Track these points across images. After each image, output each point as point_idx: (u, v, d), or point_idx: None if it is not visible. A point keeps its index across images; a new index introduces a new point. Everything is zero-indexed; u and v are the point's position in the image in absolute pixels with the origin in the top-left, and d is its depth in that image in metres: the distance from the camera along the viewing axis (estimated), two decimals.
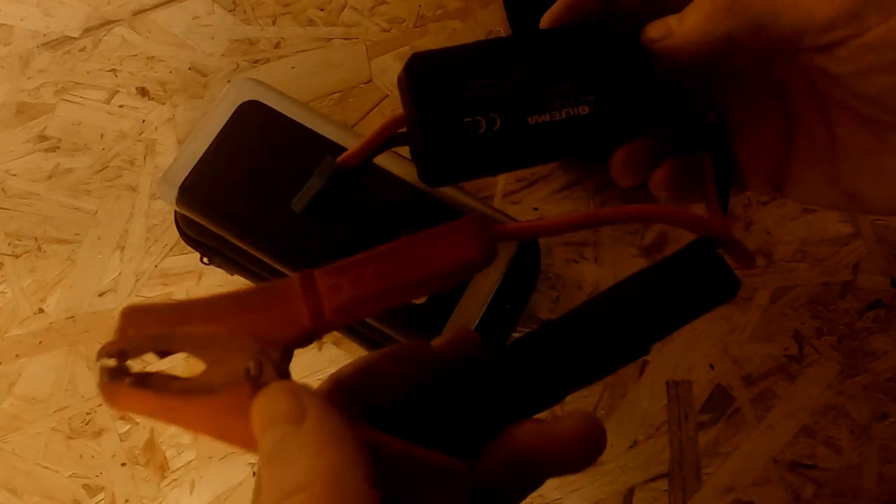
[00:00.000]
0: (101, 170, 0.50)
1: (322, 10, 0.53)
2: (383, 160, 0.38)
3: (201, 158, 0.38)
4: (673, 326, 0.24)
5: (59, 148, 0.50)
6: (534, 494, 0.44)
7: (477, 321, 0.35)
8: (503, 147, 0.26)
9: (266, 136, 0.38)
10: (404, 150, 0.38)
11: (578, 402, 0.44)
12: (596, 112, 0.26)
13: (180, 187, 0.38)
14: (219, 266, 0.44)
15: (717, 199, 0.28)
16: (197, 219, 0.38)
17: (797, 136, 0.29)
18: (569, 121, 0.26)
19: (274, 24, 0.53)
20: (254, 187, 0.37)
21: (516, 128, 0.26)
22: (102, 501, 0.43)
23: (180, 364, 0.40)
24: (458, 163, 0.26)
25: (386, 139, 0.29)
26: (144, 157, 0.50)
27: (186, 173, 0.38)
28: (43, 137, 0.51)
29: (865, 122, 0.27)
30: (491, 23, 0.51)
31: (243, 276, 0.43)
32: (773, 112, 0.30)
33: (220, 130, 0.38)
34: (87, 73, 0.52)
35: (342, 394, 0.23)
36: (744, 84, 0.30)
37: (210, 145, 0.38)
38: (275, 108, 0.39)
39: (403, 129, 0.28)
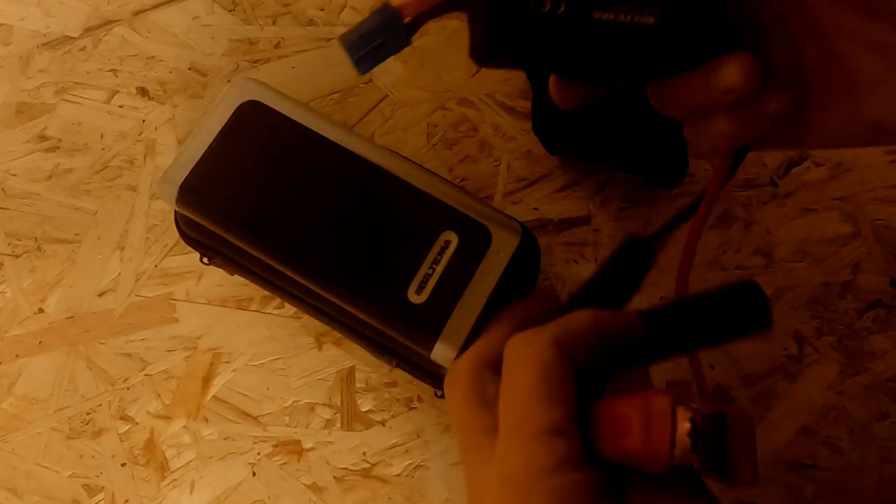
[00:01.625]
0: (101, 170, 0.50)
1: (322, 10, 0.53)
2: (376, 156, 0.37)
3: (201, 158, 0.38)
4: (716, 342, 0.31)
5: (59, 148, 0.50)
6: None
7: (475, 320, 0.35)
8: (561, 36, 0.26)
9: (266, 136, 0.38)
10: (402, 149, 0.38)
11: None
12: (660, 25, 0.26)
13: (180, 187, 0.38)
14: (219, 266, 0.44)
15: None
16: (197, 219, 0.38)
17: (810, 81, 0.29)
18: (631, 27, 0.26)
19: (274, 24, 0.53)
20: (254, 187, 0.37)
21: (579, 18, 0.25)
22: (102, 501, 0.43)
23: None
24: (513, 38, 0.26)
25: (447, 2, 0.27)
26: (144, 157, 0.50)
27: (186, 173, 0.38)
28: (43, 137, 0.51)
29: (884, 52, 0.27)
30: None
31: (243, 276, 0.43)
32: (783, 61, 0.29)
33: (220, 130, 0.38)
34: (87, 73, 0.52)
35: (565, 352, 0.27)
36: (751, 34, 0.29)
37: (210, 145, 0.38)
38: (275, 108, 0.39)
39: None
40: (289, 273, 0.37)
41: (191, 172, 0.38)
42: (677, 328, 0.30)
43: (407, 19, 0.26)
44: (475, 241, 0.36)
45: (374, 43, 0.26)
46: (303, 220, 0.36)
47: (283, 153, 0.38)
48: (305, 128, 0.38)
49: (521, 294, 0.41)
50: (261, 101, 0.39)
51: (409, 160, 0.38)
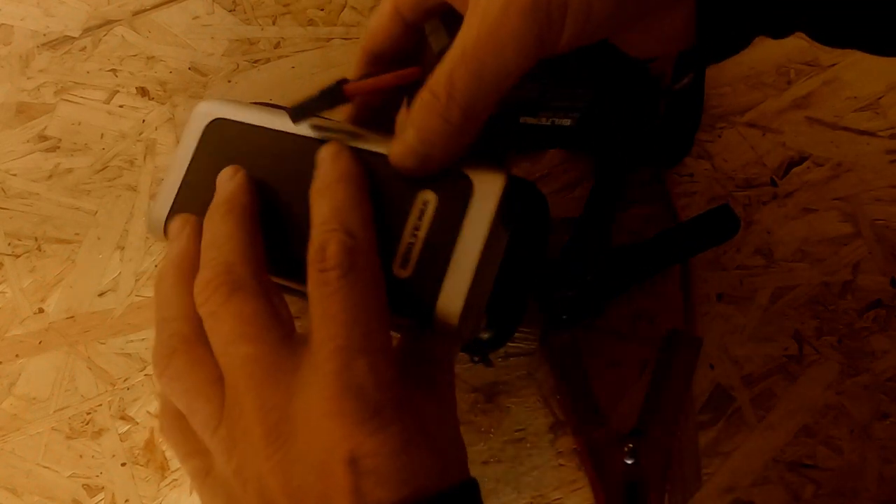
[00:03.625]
0: (101, 170, 0.50)
1: (322, 10, 0.53)
2: (337, 136, 0.37)
3: (180, 188, 0.38)
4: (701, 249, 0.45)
5: (59, 148, 0.50)
6: (534, 494, 0.44)
7: (470, 282, 0.31)
8: (495, 133, 0.29)
9: (235, 148, 0.38)
10: None
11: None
12: (576, 127, 0.29)
13: (166, 222, 0.37)
14: None
15: None
16: None
17: None
18: (552, 127, 0.29)
19: (274, 24, 0.53)
20: None
21: (510, 124, 0.29)
22: (102, 501, 0.43)
23: None
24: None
25: (397, 86, 0.31)
26: (144, 157, 0.50)
27: (169, 206, 0.37)
28: (43, 137, 0.51)
29: None
30: None
31: None
32: None
33: (192, 157, 0.38)
34: (87, 73, 0.52)
35: None
36: None
37: (186, 173, 0.38)
38: (238, 119, 0.39)
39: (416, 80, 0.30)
40: (278, 279, 0.37)
41: (173, 204, 0.38)
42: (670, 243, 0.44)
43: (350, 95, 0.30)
44: (455, 195, 0.32)
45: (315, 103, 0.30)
46: (281, 219, 0.36)
47: (253, 159, 0.38)
48: (267, 129, 0.38)
49: (532, 250, 0.40)
50: (224, 117, 0.39)
51: (371, 130, 0.37)
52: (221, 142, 0.38)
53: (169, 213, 0.37)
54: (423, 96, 0.28)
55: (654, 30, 0.27)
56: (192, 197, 0.38)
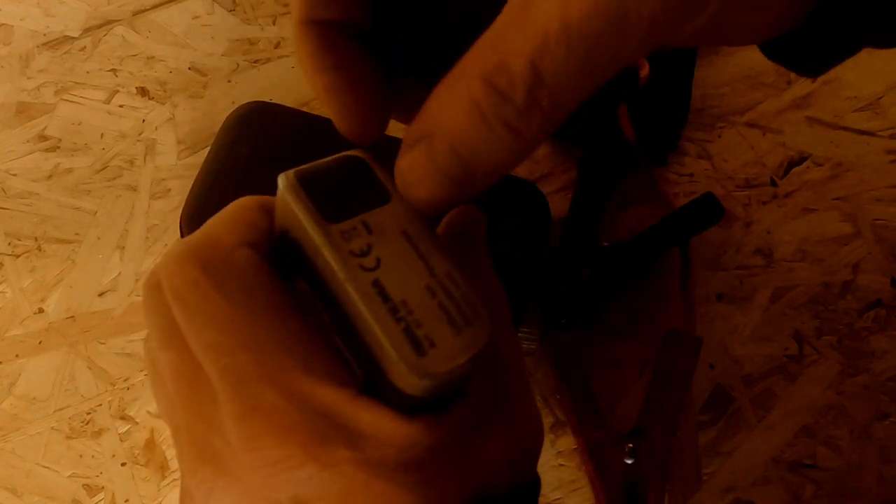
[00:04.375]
0: (101, 170, 0.50)
1: None
2: None
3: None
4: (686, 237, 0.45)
5: (59, 148, 0.50)
6: None
7: None
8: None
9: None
10: None
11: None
12: None
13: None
14: None
15: None
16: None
17: None
18: None
19: (274, 24, 0.53)
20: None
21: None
22: (102, 501, 0.43)
23: None
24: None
25: None
26: (144, 157, 0.50)
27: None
28: (43, 137, 0.51)
29: None
30: None
31: None
32: None
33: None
34: (87, 73, 0.52)
35: None
36: None
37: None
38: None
39: None
40: None
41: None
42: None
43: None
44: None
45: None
46: None
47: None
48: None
49: (532, 250, 0.40)
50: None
51: None
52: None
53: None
54: (473, 86, 0.17)
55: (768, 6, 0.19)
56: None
